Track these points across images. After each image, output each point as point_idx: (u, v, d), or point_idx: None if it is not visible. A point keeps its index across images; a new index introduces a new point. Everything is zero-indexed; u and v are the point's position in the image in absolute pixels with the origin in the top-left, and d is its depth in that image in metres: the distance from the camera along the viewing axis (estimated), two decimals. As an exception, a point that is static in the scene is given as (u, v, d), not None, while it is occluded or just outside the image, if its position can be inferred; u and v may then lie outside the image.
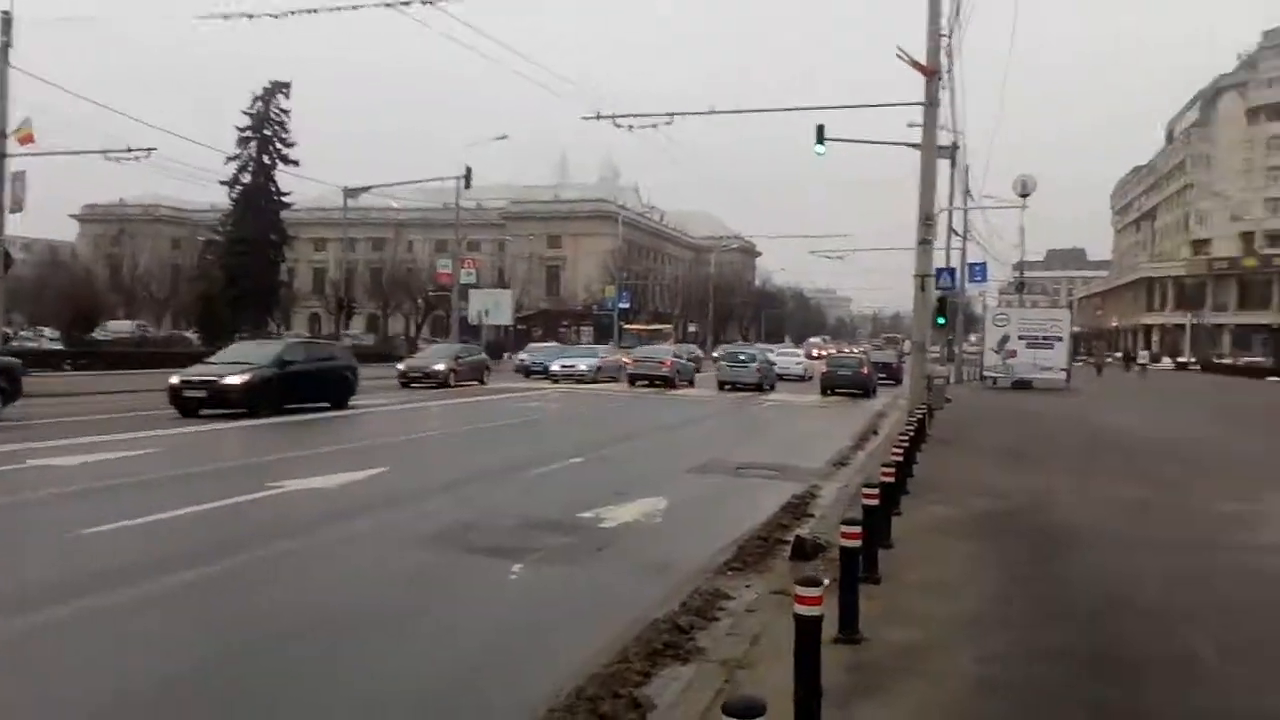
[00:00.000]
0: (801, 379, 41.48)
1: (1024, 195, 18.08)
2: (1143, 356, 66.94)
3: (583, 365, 36.98)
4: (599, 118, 22.59)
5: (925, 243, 18.13)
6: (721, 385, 33.53)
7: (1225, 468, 15.20)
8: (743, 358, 36.07)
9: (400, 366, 32.58)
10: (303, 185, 48.00)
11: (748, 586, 7.37)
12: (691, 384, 36.24)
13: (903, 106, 18.55)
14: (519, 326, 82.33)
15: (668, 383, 34.03)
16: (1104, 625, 6.37)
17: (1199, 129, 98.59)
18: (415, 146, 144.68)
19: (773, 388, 34.88)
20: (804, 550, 8.20)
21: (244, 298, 46.67)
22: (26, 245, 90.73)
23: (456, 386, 30.95)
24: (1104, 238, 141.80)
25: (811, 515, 10.45)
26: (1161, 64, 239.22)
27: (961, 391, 34.79)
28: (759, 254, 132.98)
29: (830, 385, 32.77)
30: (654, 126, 22.13)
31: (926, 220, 18.07)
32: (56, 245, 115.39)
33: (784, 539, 8.92)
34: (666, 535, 9.40)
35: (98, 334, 58.08)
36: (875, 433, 19.84)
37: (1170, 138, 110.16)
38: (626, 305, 74.87)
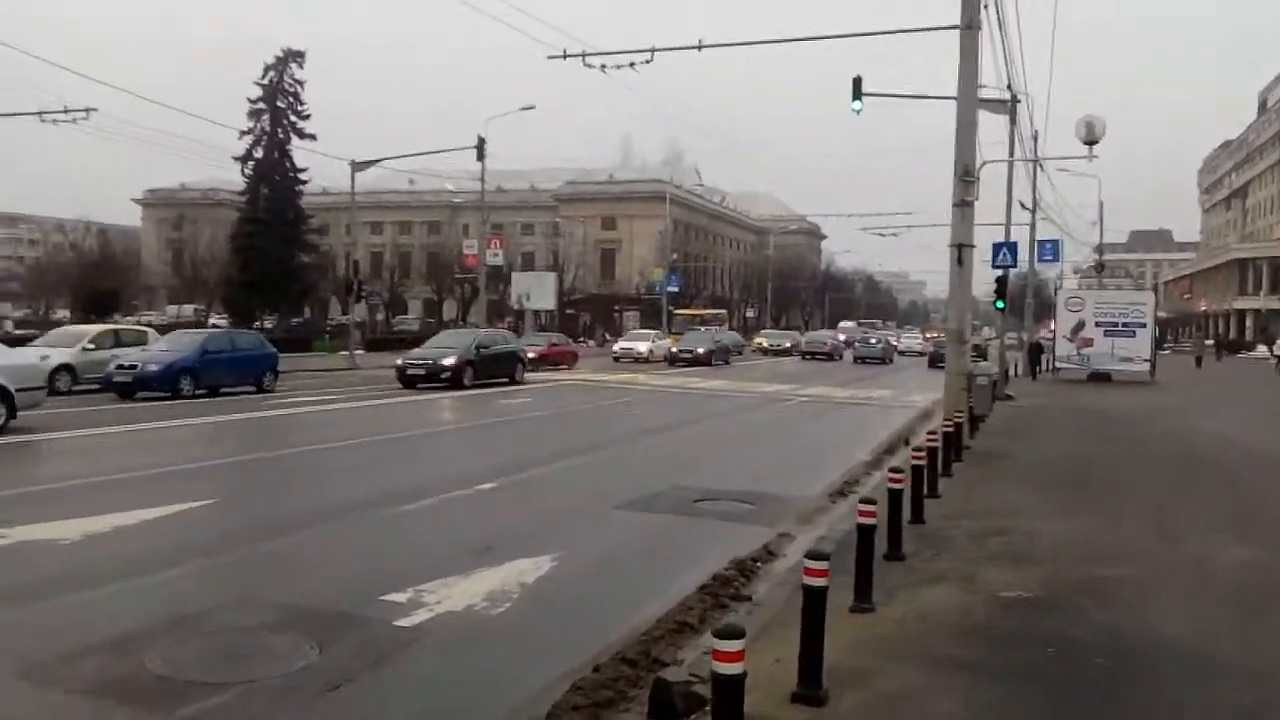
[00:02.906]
0: (830, 358, 50.88)
1: (1090, 142, 14.38)
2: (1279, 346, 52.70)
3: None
4: (565, 57, 19.04)
5: (964, 204, 14.33)
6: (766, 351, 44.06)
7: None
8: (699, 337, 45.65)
9: (398, 360, 27.04)
10: (367, 171, 45.29)
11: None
12: (726, 363, 41.79)
13: (941, 31, 14.67)
14: (568, 311, 79.37)
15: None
16: None
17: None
18: (451, 125, 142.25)
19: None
20: (669, 705, 4.74)
21: (259, 282, 44.10)
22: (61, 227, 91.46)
23: (474, 387, 25.67)
24: (1191, 219, 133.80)
25: (747, 598, 6.96)
26: (1257, 30, 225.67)
27: (1029, 386, 30.62)
28: (824, 237, 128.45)
29: (858, 356, 49.18)
30: (631, 65, 18.54)
31: (965, 176, 14.27)
32: (126, 231, 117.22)
33: (661, 662, 5.48)
34: (487, 645, 5.99)
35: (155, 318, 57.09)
36: (906, 443, 15.99)
37: (1263, 108, 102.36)
38: (676, 289, 71.06)
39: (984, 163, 16.07)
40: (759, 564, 7.90)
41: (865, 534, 6.24)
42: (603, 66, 18.95)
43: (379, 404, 21.72)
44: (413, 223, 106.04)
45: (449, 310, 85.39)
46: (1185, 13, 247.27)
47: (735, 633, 3.47)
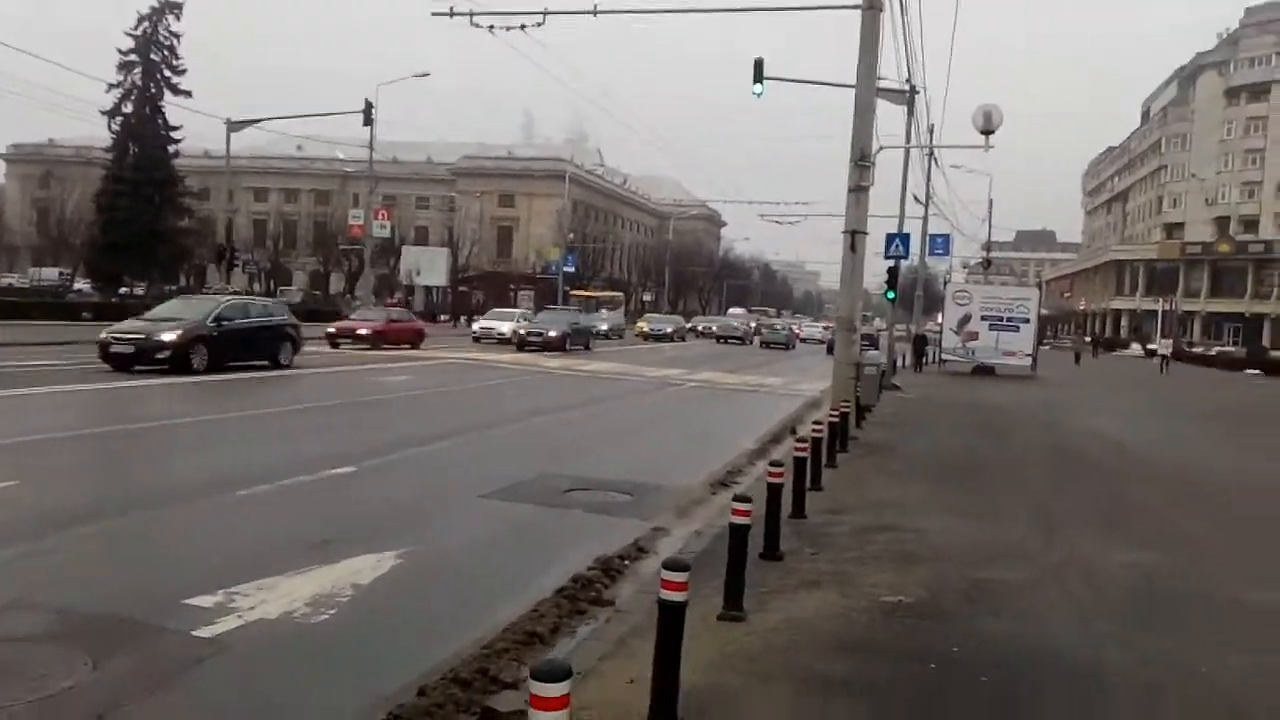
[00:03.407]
0: (742, 342, 55.31)
1: (986, 132, 14.14)
2: (1164, 346, 53.87)
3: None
4: (452, 14, 18.03)
5: (859, 189, 13.92)
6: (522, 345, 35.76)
7: (1248, 511, 11.19)
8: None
9: (100, 334, 19.72)
10: (250, 134, 42.62)
11: None
12: (586, 348, 38.10)
13: (845, 10, 14.17)
14: (460, 288, 77.66)
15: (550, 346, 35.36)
16: None
17: (1176, 108, 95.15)
18: (342, 90, 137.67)
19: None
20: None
21: (124, 244, 41.44)
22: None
23: (211, 371, 19.52)
24: (1074, 221, 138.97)
25: (609, 602, 6.27)
26: (1143, 40, 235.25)
27: (915, 378, 30.86)
28: (724, 224, 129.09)
29: (764, 342, 52.45)
30: (522, 28, 17.63)
31: (861, 160, 13.85)
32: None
33: (500, 682, 4.75)
34: (296, 663, 5.17)
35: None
36: (793, 431, 15.54)
37: (1146, 117, 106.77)
38: (572, 269, 70.13)
39: (880, 148, 15.72)
40: (627, 563, 7.23)
41: (738, 534, 5.62)
42: (490, 27, 18.02)
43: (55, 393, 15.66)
44: (300, 190, 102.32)
45: (335, 283, 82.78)
46: (1074, 20, 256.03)
47: (558, 674, 2.76)
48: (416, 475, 10.56)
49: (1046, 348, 56.86)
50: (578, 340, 37.52)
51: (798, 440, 8.69)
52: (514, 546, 7.81)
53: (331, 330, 30.95)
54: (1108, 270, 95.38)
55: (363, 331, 30.37)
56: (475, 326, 41.54)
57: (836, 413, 11.83)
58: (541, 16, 17.08)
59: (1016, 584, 6.79)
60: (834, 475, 10.82)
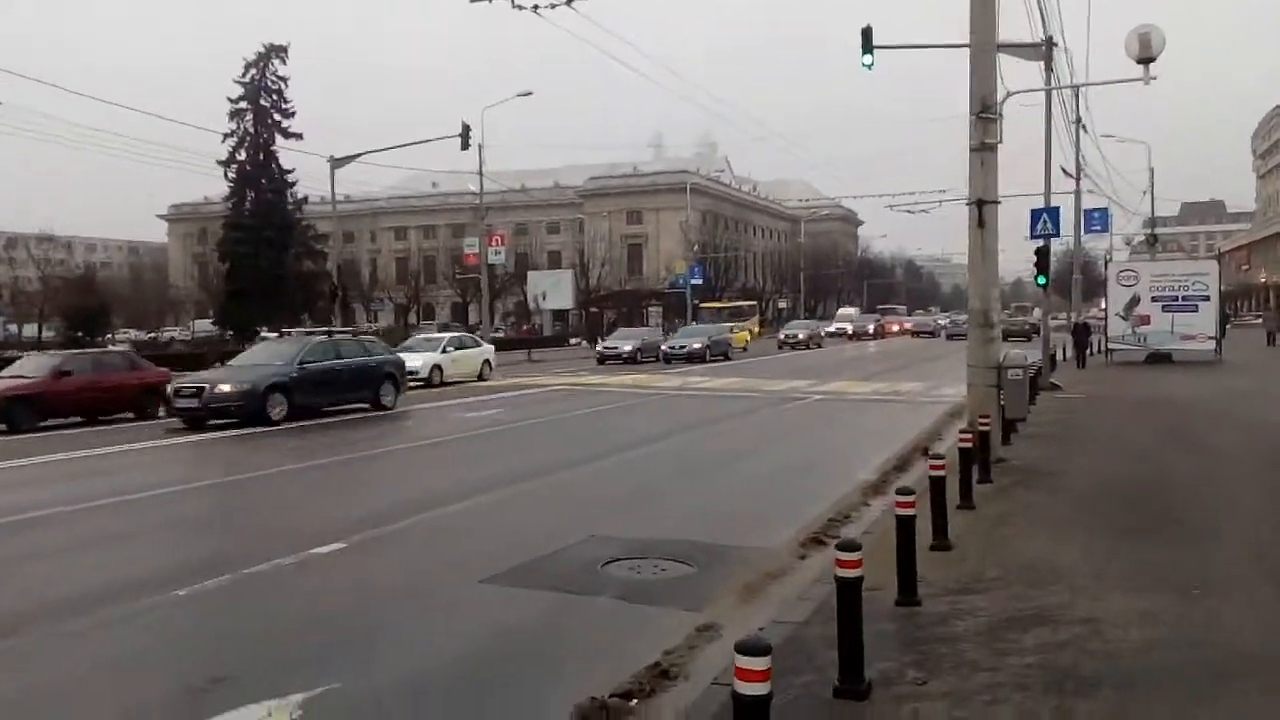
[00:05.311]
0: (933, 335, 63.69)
1: (1144, 60, 11.11)
2: None
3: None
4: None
5: (984, 148, 11.03)
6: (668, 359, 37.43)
7: None
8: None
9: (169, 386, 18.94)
10: (378, 173, 42.54)
11: None
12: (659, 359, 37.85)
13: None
14: (591, 309, 76.40)
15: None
16: None
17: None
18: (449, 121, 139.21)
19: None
20: None
21: (249, 290, 41.53)
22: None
23: (296, 419, 18.13)
24: (1245, 189, 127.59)
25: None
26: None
27: (1078, 374, 27.04)
28: (860, 222, 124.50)
29: (950, 334, 54.92)
30: (568, 3, 15.40)
31: (984, 112, 10.96)
32: (155, 246, 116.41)
33: None
34: None
35: (177, 334, 54.12)
36: (925, 452, 12.60)
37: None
38: (699, 281, 67.67)
39: (1008, 94, 12.79)
40: (634, 702, 4.80)
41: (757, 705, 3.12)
42: (535, 7, 15.89)
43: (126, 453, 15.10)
44: (437, 226, 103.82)
45: (474, 314, 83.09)
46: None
47: None
48: (420, 550, 8.38)
49: (1229, 328, 50.88)
50: (650, 353, 38.51)
51: (900, 494, 6.03)
52: (483, 678, 5.44)
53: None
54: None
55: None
56: (598, 347, 40.58)
57: (970, 436, 9.02)
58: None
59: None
60: (968, 522, 8.08)
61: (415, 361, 26.40)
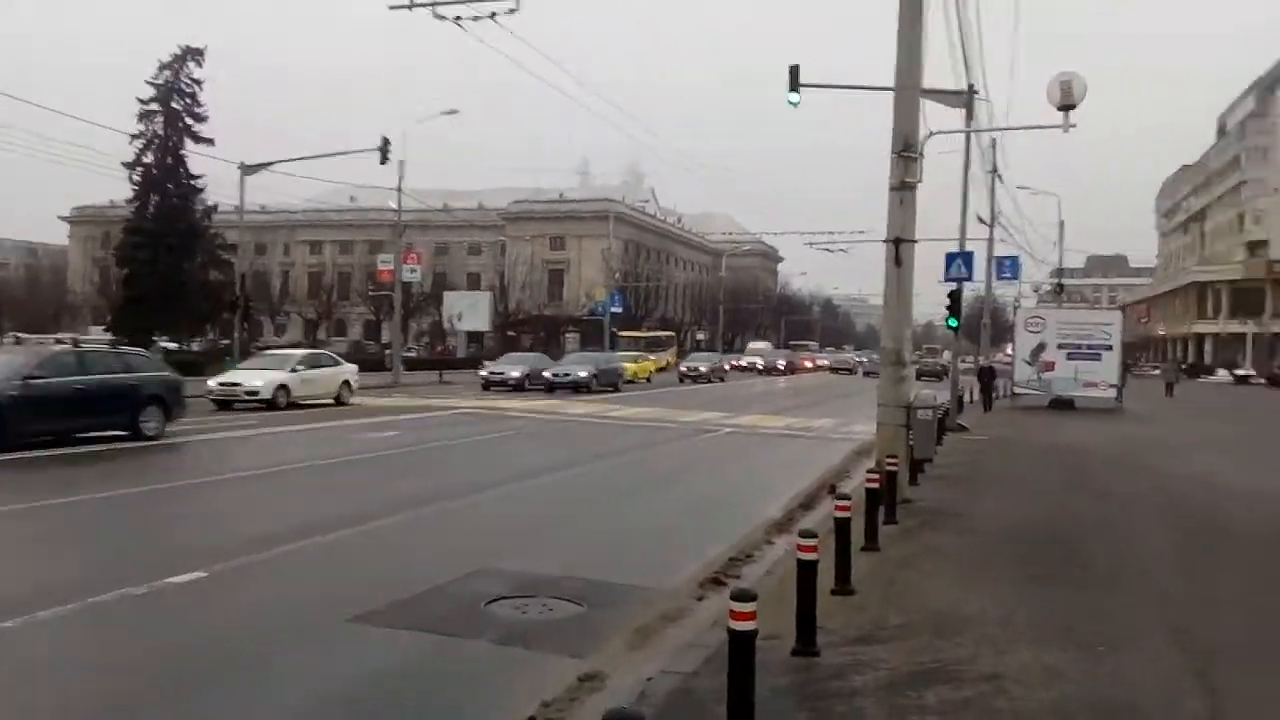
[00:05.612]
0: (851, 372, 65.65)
1: (1065, 108, 11.18)
2: None
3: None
4: (412, 7, 15.53)
5: (904, 187, 10.92)
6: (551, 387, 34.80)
7: None
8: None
9: None
10: (299, 186, 41.00)
11: None
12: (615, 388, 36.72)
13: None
14: (509, 333, 75.59)
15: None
16: None
17: (1255, 120, 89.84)
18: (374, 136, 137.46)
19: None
20: None
21: (147, 298, 39.80)
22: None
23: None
24: (1147, 245, 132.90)
25: None
26: (1213, 58, 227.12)
27: (983, 416, 27.36)
28: (781, 259, 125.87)
29: (866, 371, 56.32)
30: (492, 16, 14.95)
31: (905, 151, 10.86)
32: (55, 249, 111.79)
33: None
34: None
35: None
36: (833, 489, 12.37)
37: (1222, 132, 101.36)
38: (619, 309, 67.47)
39: (929, 134, 12.80)
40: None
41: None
42: (456, 19, 15.44)
43: None
44: (354, 241, 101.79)
45: (387, 332, 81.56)
46: (1144, 34, 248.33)
47: None
48: (292, 580, 7.75)
49: (1130, 377, 52.51)
50: (536, 381, 35.49)
51: (802, 537, 5.70)
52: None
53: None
54: (1188, 293, 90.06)
55: None
56: (483, 372, 37.48)
57: (878, 476, 8.77)
58: (515, 1, 14.45)
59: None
60: (871, 565, 7.80)
61: (256, 381, 24.04)
